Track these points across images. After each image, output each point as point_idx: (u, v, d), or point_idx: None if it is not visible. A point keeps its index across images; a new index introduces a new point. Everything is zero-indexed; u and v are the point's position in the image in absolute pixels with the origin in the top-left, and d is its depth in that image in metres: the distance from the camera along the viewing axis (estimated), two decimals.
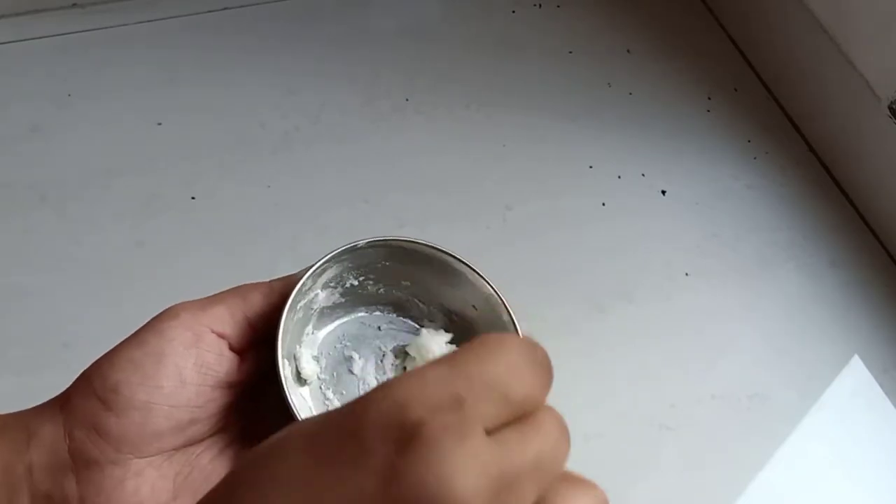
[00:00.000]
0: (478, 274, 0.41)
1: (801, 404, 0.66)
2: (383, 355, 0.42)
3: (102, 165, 0.70)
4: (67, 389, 0.35)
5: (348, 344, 0.43)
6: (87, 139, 0.72)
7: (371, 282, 0.42)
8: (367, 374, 0.42)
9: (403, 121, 0.78)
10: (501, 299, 0.41)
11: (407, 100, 0.79)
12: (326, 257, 0.39)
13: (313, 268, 0.38)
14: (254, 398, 0.38)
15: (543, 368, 0.26)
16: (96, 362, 0.35)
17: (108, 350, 0.35)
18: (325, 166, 0.73)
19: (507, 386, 0.24)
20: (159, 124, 0.74)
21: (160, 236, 0.67)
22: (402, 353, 0.43)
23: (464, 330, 0.43)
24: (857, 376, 0.68)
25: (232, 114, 0.75)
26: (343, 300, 0.42)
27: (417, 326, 0.43)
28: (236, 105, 0.76)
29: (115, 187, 0.69)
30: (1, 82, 0.74)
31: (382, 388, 0.23)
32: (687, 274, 0.72)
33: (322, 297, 0.41)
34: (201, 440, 0.37)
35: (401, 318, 0.43)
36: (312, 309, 0.41)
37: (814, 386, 0.67)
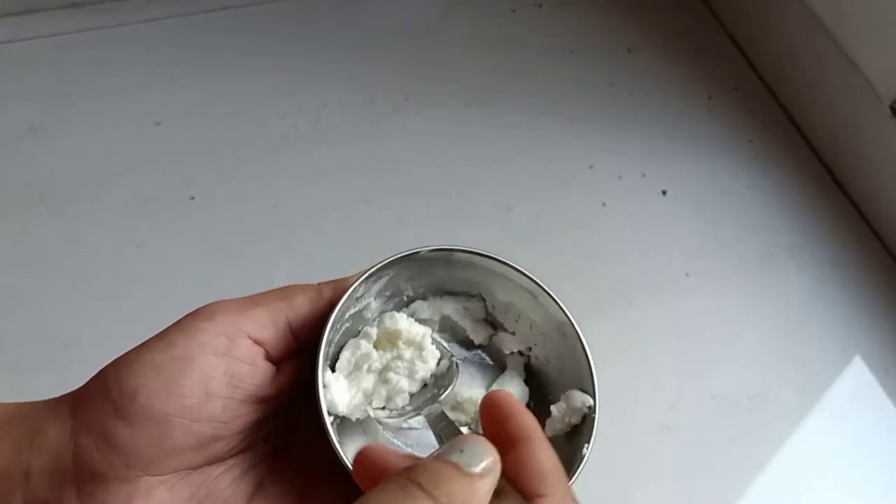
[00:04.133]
0: (552, 298, 0.37)
1: (802, 405, 0.66)
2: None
3: (101, 166, 0.70)
4: (82, 386, 0.31)
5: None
6: (86, 139, 0.71)
7: (430, 294, 0.39)
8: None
9: (403, 121, 0.78)
10: (576, 329, 0.37)
11: (406, 100, 0.79)
12: (382, 263, 0.35)
13: (367, 273, 0.35)
14: (287, 414, 0.34)
15: None
16: (115, 361, 0.31)
17: (130, 348, 0.32)
18: (325, 166, 0.73)
19: None
20: (158, 124, 0.73)
21: (159, 237, 0.67)
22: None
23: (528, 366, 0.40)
24: (858, 377, 0.68)
25: (231, 114, 0.75)
26: (396, 310, 0.39)
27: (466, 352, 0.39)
28: (235, 105, 0.76)
29: (113, 187, 0.69)
30: None
31: None
32: (687, 274, 0.72)
33: (374, 306, 0.37)
34: (223, 459, 0.33)
35: (454, 342, 0.40)
36: (364, 318, 0.37)
37: (815, 386, 0.67)
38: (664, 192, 0.77)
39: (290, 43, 0.81)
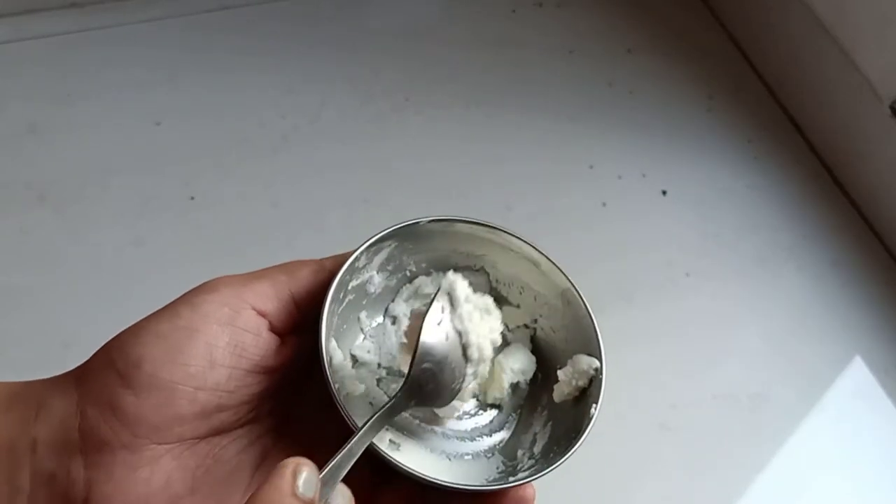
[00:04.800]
0: (555, 265, 0.38)
1: (803, 405, 0.66)
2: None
3: (101, 165, 0.70)
4: (86, 361, 0.32)
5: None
6: (86, 139, 0.71)
7: (433, 269, 0.39)
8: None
9: (403, 121, 0.78)
10: (580, 295, 0.37)
11: (406, 100, 0.79)
12: (382, 233, 0.35)
13: (367, 243, 0.35)
14: (292, 387, 0.35)
15: None
16: (121, 333, 0.32)
17: (136, 321, 0.32)
18: (325, 166, 0.73)
19: None
20: (158, 124, 0.73)
21: (159, 236, 0.67)
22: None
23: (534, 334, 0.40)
24: (858, 377, 0.68)
25: (231, 114, 0.75)
26: (398, 287, 0.39)
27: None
28: (235, 105, 0.76)
29: (113, 187, 0.69)
30: None
31: None
32: (687, 274, 0.72)
33: (377, 280, 0.37)
34: (228, 430, 0.33)
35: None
36: (368, 293, 0.37)
37: (815, 386, 0.67)
38: (664, 192, 0.77)
39: (290, 42, 0.81)
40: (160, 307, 0.32)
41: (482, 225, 0.37)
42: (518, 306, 0.40)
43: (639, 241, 0.74)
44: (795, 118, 0.84)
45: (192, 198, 0.69)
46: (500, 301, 0.40)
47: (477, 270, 0.40)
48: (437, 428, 0.38)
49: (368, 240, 0.35)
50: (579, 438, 0.35)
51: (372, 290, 0.38)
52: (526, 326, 0.40)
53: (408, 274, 0.39)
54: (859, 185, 0.79)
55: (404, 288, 0.40)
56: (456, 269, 0.39)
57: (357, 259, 0.35)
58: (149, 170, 0.70)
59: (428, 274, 0.39)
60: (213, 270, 0.65)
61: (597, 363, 0.37)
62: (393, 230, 0.35)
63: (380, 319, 0.39)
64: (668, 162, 0.79)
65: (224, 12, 0.82)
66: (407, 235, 0.36)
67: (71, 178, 0.69)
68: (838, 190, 0.80)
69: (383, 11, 0.86)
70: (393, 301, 0.40)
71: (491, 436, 0.39)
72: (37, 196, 0.67)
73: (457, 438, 0.38)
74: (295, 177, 0.72)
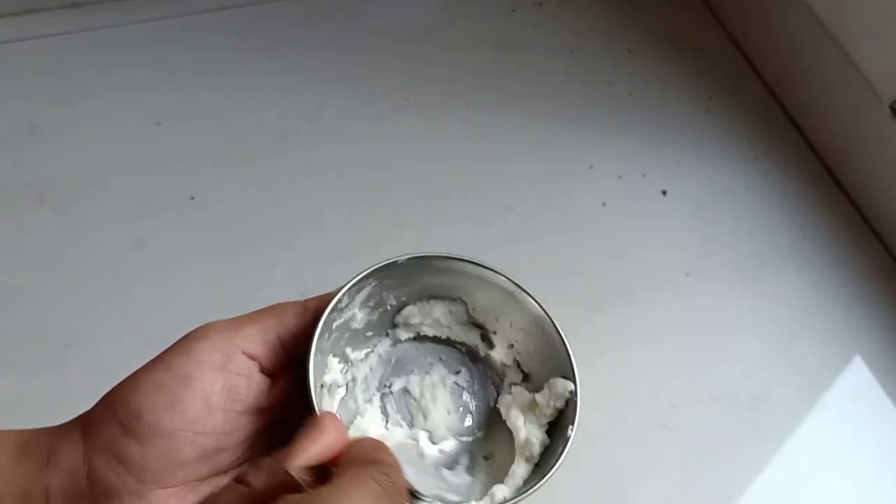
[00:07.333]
0: (528, 294, 0.39)
1: (803, 405, 0.66)
2: (431, 378, 0.41)
3: (101, 165, 0.70)
4: (89, 410, 0.33)
5: (392, 364, 0.40)
6: (86, 139, 0.71)
7: (412, 303, 0.41)
8: (415, 396, 0.40)
9: (403, 121, 0.78)
10: (552, 321, 0.39)
11: (406, 100, 0.79)
12: (363, 273, 0.37)
13: (349, 285, 0.37)
14: (285, 424, 0.36)
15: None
16: (119, 384, 0.33)
17: (132, 371, 0.33)
18: (324, 166, 0.73)
19: None
20: (158, 124, 0.73)
21: (159, 236, 0.67)
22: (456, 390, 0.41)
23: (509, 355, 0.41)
24: (858, 377, 0.68)
25: (231, 114, 0.75)
26: (381, 321, 0.40)
27: (460, 353, 0.42)
28: (235, 105, 0.76)
29: (113, 187, 0.69)
30: None
31: None
32: (687, 274, 0.72)
33: (360, 316, 0.39)
34: (228, 470, 0.35)
35: (443, 344, 0.42)
36: (351, 329, 0.39)
37: (815, 386, 0.67)
38: (664, 192, 0.77)
39: (290, 42, 0.81)
40: (154, 357, 0.34)
41: (457, 259, 0.39)
42: (495, 332, 0.42)
43: (639, 241, 0.74)
44: (795, 118, 0.84)
45: (192, 198, 0.69)
46: (479, 327, 0.42)
47: (455, 300, 0.41)
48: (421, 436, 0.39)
49: (350, 281, 0.37)
50: (558, 459, 0.36)
51: (355, 325, 0.39)
52: (510, 346, 0.42)
53: (388, 308, 0.40)
54: (859, 185, 0.79)
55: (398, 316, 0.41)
56: (438, 298, 0.41)
57: (340, 300, 0.36)
58: (149, 170, 0.70)
59: (414, 304, 0.41)
60: (213, 270, 0.65)
61: (571, 386, 0.38)
62: (372, 270, 0.37)
63: (363, 353, 0.41)
64: (668, 162, 0.79)
65: (224, 12, 0.82)
66: (386, 274, 0.38)
67: (71, 178, 0.69)
68: (838, 190, 0.80)
69: (383, 11, 0.86)
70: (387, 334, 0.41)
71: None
72: (37, 196, 0.67)
73: (439, 452, 0.39)
74: (295, 177, 0.72)
